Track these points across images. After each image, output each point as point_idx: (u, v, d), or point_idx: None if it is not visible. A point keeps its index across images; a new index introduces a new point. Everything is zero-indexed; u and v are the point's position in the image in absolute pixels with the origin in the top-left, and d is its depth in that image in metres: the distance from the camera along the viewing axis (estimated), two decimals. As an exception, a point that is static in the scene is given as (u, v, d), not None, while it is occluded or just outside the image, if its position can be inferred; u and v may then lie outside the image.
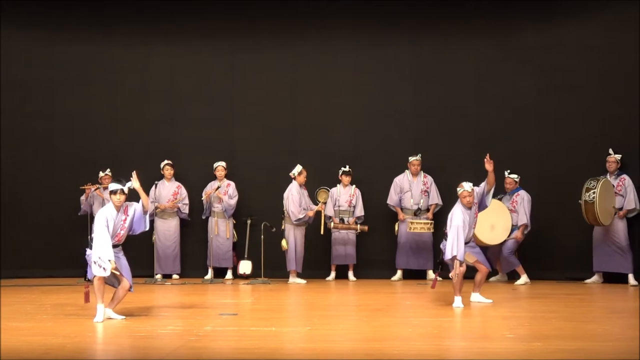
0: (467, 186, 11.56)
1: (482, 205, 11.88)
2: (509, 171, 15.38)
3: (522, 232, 15.21)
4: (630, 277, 14.77)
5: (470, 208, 11.56)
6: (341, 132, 16.56)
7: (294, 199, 15.22)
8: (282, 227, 15.43)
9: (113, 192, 10.30)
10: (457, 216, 11.43)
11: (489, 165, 11.71)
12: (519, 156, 15.73)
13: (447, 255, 11.35)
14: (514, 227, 15.18)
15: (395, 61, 16.61)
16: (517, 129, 16.08)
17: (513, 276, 15.36)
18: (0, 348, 8.17)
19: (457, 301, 11.37)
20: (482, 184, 11.79)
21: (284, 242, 15.29)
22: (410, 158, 15.90)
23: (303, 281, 15.32)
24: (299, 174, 15.33)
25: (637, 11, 15.10)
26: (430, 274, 15.81)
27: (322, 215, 15.58)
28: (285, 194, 15.33)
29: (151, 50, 16.69)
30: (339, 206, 15.95)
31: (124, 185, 10.36)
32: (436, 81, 16.53)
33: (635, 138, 15.02)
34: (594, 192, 14.36)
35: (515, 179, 15.45)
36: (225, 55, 16.73)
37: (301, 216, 15.23)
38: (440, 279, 15.37)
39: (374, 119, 16.53)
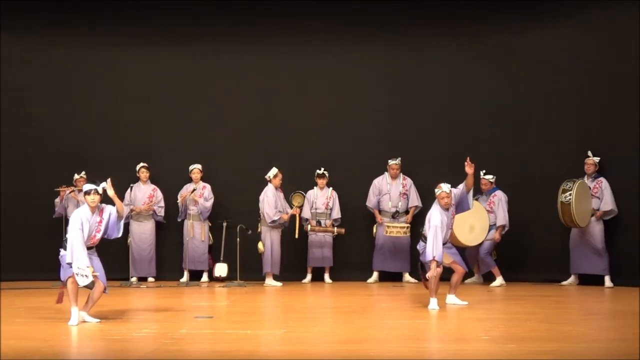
0: (445, 187, 11.53)
1: (463, 207, 11.85)
2: (484, 172, 15.42)
3: (500, 233, 15.25)
4: (607, 279, 14.83)
5: (447, 209, 11.55)
6: (317, 134, 16.55)
7: (269, 201, 15.19)
8: (258, 230, 15.41)
9: (87, 193, 10.23)
10: (435, 217, 11.41)
11: (469, 169, 11.68)
12: (496, 158, 15.76)
13: (427, 257, 11.31)
14: (491, 227, 15.22)
15: (371, 64, 16.63)
16: (493, 131, 16.14)
17: (489, 278, 15.40)
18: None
19: (433, 303, 11.35)
20: (460, 186, 11.77)
21: (260, 245, 15.27)
22: (389, 162, 15.90)
23: (279, 284, 15.29)
24: (275, 176, 15.30)
25: (609, 15, 15.19)
26: (407, 276, 15.84)
27: (297, 219, 15.56)
28: (261, 197, 15.30)
29: (127, 52, 16.61)
30: (315, 209, 15.94)
31: (98, 186, 10.29)
32: (412, 84, 16.56)
33: (612, 141, 15.08)
34: (570, 194, 14.42)
35: (491, 180, 15.50)
36: (201, 58, 16.69)
37: (276, 218, 15.20)
38: (416, 280, 15.48)
39: (350, 121, 16.54)
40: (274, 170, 15.32)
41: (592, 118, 15.37)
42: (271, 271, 15.37)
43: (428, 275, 11.30)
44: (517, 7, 16.05)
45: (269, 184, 15.31)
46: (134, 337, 9.28)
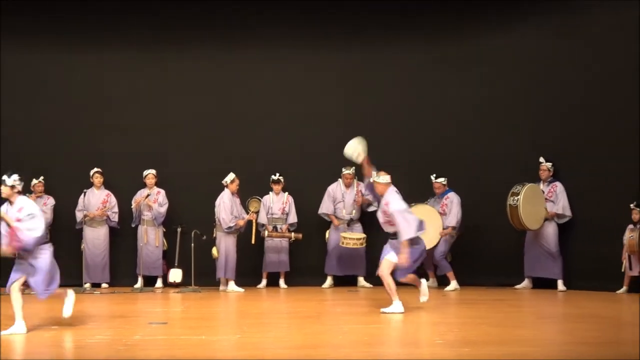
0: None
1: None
2: (435, 175, 15.49)
3: (454, 234, 15.32)
4: (560, 283, 14.95)
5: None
6: (273, 139, 16.54)
7: (226, 206, 15.14)
8: (214, 235, 15.35)
9: None
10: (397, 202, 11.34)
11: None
12: (450, 163, 15.88)
13: (409, 235, 11.18)
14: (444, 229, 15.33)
15: (327, 69, 16.68)
16: (448, 137, 16.25)
17: (443, 282, 15.46)
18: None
19: (398, 306, 11.29)
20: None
21: (214, 250, 15.22)
22: (343, 170, 15.91)
23: (241, 289, 15.21)
24: (232, 182, 15.25)
25: (565, 21, 15.35)
26: (362, 281, 15.85)
27: (254, 224, 15.53)
28: (217, 202, 15.25)
29: (81, 57, 16.51)
30: (272, 214, 15.92)
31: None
32: (369, 89, 16.64)
33: (566, 145, 15.23)
34: (518, 197, 14.55)
35: (443, 182, 15.58)
36: (155, 62, 16.64)
37: (232, 224, 15.15)
38: (370, 285, 15.51)
39: (306, 126, 16.56)
40: (231, 176, 15.27)
41: (547, 123, 15.51)
42: (227, 276, 15.29)
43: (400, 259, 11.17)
44: (475, 13, 16.20)
45: (226, 190, 15.25)
46: (87, 344, 9.19)
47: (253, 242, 15.56)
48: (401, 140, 16.35)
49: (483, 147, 16.12)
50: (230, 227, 15.17)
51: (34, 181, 15.85)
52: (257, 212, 15.73)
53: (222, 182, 15.28)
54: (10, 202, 9.98)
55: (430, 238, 14.90)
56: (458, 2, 16.29)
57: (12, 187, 9.96)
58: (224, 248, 15.24)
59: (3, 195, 10.01)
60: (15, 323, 9.65)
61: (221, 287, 15.32)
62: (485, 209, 15.78)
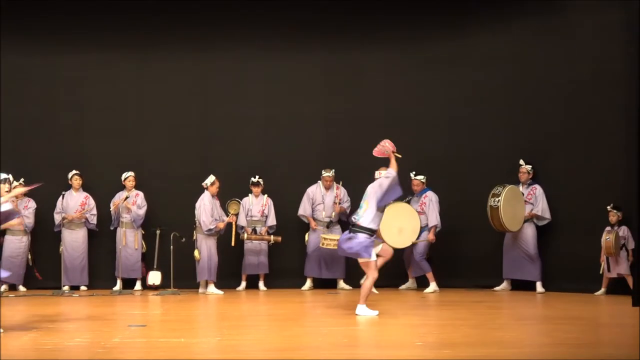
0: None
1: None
2: (414, 172, 15.51)
3: (434, 233, 15.34)
4: (538, 285, 15.01)
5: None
6: (252, 142, 16.53)
7: (206, 208, 15.10)
8: (194, 238, 15.31)
9: None
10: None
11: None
12: (429, 165, 15.88)
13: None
14: (423, 229, 15.31)
15: (306, 71, 16.66)
16: (428, 139, 16.28)
17: (423, 284, 15.48)
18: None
19: (362, 309, 11.33)
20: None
21: (196, 253, 15.16)
22: (323, 173, 15.90)
23: (220, 292, 15.17)
24: (212, 184, 15.21)
25: (544, 24, 15.41)
26: (341, 283, 15.84)
27: (233, 226, 15.50)
28: (198, 204, 15.20)
29: (60, 58, 16.41)
30: (251, 216, 15.89)
31: None
32: (347, 91, 16.63)
33: (545, 148, 15.29)
34: (498, 198, 14.59)
35: (422, 180, 15.60)
36: (134, 64, 16.57)
37: (212, 227, 15.11)
38: (350, 287, 15.51)
39: (285, 128, 16.55)
40: (211, 178, 15.22)
41: (527, 125, 15.56)
42: (209, 279, 15.25)
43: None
44: (453, 15, 16.22)
45: (206, 192, 15.21)
46: (66, 347, 9.15)
47: (233, 244, 15.52)
48: (380, 140, 16.31)
49: (462, 149, 16.17)
50: (210, 230, 15.13)
51: (15, 183, 15.73)
52: (237, 215, 15.70)
53: (203, 184, 15.24)
54: None
55: (405, 238, 14.92)
56: (443, 2, 16.28)
57: None
58: (206, 250, 15.19)
59: None
60: None
61: (200, 290, 15.28)
62: (464, 210, 15.81)
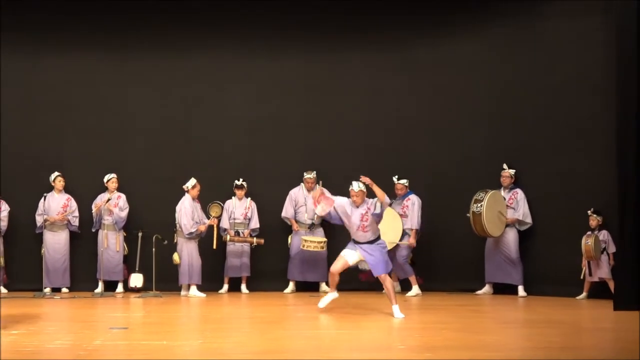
0: (354, 185, 11.87)
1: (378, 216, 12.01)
2: (397, 176, 15.53)
3: (415, 237, 15.35)
4: (520, 289, 15.05)
5: (357, 207, 11.87)
6: (235, 144, 16.51)
7: (187, 212, 15.07)
8: (175, 241, 15.28)
9: None
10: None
11: (366, 182, 11.87)
12: (411, 168, 15.91)
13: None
14: (405, 232, 15.33)
15: (289, 73, 16.66)
16: (410, 142, 16.32)
17: (406, 287, 15.49)
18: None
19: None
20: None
21: (175, 256, 15.12)
22: (305, 175, 15.90)
23: (203, 294, 15.13)
24: (193, 187, 15.17)
25: (526, 28, 15.47)
26: (324, 286, 15.84)
27: (215, 229, 15.46)
28: (178, 207, 15.17)
29: (40, 60, 16.36)
30: (234, 219, 15.87)
31: None
32: (329, 94, 16.64)
33: (526, 152, 15.34)
34: (481, 204, 14.63)
35: (405, 184, 15.61)
36: (117, 65, 16.51)
37: (193, 230, 15.08)
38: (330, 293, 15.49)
39: (268, 131, 16.54)
40: (192, 181, 15.19)
41: (509, 129, 15.63)
42: (192, 282, 15.20)
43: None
44: (435, 20, 16.26)
45: (186, 195, 15.18)
46: (47, 349, 9.11)
47: (215, 247, 15.49)
48: (362, 144, 16.37)
49: (445, 153, 16.21)
50: (191, 233, 15.10)
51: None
52: (218, 217, 15.67)
53: (183, 187, 15.21)
54: None
55: (390, 240, 14.94)
56: (426, 7, 16.32)
57: None
58: (187, 254, 15.15)
59: None
60: None
61: (182, 292, 15.25)
62: (446, 214, 15.84)
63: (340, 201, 12.02)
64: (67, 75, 16.43)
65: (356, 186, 11.86)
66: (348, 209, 11.92)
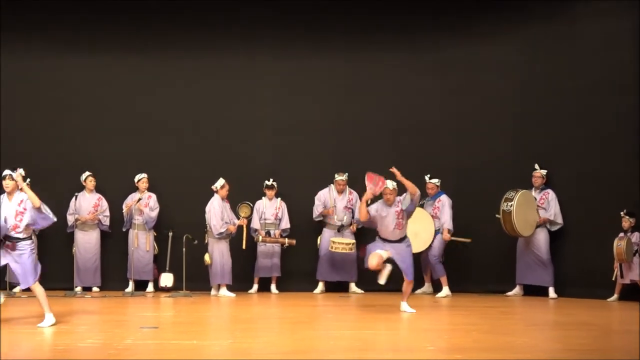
0: (389, 184, 12.16)
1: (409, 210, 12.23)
2: (429, 176, 15.51)
3: (448, 232, 15.31)
4: (551, 290, 14.98)
5: (390, 205, 12.14)
6: (266, 145, 16.53)
7: (216, 212, 15.10)
8: (205, 241, 15.31)
9: (2, 178, 10.58)
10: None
11: (396, 175, 12.14)
12: (441, 170, 15.85)
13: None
14: (437, 233, 15.31)
15: (319, 74, 16.65)
16: (440, 143, 16.26)
17: (437, 288, 15.46)
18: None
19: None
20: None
21: (207, 257, 15.15)
22: (336, 176, 15.89)
23: (232, 294, 15.17)
24: (222, 187, 15.20)
25: (552, 29, 15.42)
26: (353, 287, 15.83)
27: (244, 230, 15.48)
28: (207, 207, 15.20)
29: (73, 60, 16.42)
30: (265, 219, 15.89)
31: (15, 172, 10.42)
32: (358, 95, 16.63)
33: (557, 153, 15.27)
34: (511, 203, 14.58)
35: (437, 184, 15.58)
36: (149, 65, 16.58)
37: (222, 230, 15.11)
38: (362, 291, 15.48)
39: (299, 132, 16.54)
40: (220, 181, 15.23)
41: (537, 130, 15.56)
42: (224, 282, 15.23)
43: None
44: (464, 20, 16.21)
45: (215, 195, 15.22)
46: (78, 348, 9.18)
47: (244, 247, 15.52)
48: (392, 145, 16.34)
49: (476, 153, 16.14)
50: (221, 233, 15.13)
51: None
52: (248, 218, 15.68)
53: (212, 187, 15.25)
54: (10, 196, 10.54)
55: (423, 240, 14.93)
56: (456, 8, 16.30)
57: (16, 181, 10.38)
58: (219, 254, 15.17)
59: (10, 190, 10.31)
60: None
61: (212, 292, 15.29)
62: (477, 214, 15.78)
63: (373, 207, 12.23)
64: (99, 75, 16.49)
65: (390, 184, 12.13)
66: (383, 211, 12.12)
